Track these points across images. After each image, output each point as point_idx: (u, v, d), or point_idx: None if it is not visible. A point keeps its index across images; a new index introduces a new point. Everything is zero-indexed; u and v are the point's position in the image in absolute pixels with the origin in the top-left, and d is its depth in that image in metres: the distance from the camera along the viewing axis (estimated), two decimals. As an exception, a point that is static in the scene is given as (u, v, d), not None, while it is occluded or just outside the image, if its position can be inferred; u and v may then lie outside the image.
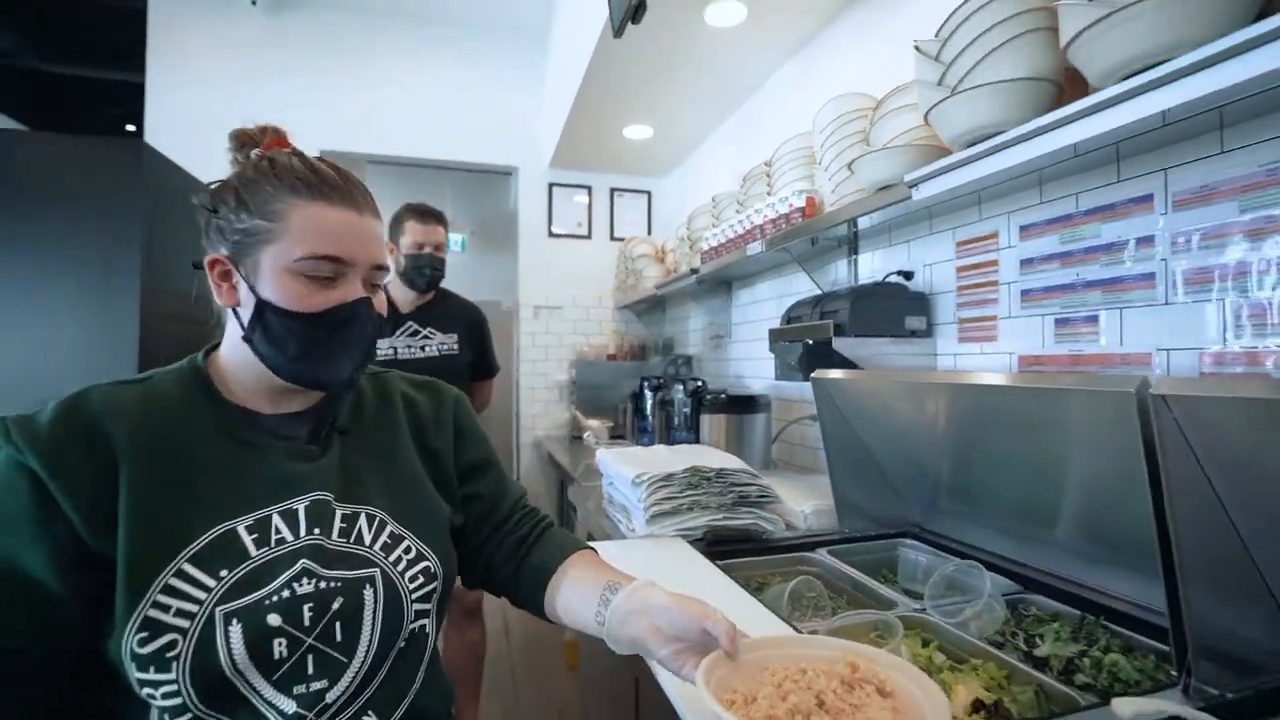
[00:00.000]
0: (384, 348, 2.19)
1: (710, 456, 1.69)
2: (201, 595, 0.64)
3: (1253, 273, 1.05)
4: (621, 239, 4.17)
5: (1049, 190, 1.41)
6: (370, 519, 0.77)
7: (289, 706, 0.67)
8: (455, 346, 2.27)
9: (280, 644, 0.67)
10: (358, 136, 3.87)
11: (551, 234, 4.20)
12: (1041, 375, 1.38)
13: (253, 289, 0.71)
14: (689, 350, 3.79)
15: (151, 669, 0.62)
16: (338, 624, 0.71)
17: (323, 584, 0.70)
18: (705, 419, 2.24)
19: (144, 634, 0.62)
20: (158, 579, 0.63)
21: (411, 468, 0.85)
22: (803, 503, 1.70)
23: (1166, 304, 1.18)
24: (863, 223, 1.84)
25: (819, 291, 2.04)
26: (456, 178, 5.63)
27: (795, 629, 1.08)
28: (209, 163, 0.93)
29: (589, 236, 4.25)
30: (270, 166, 0.73)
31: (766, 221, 2.04)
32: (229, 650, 0.64)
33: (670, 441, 2.46)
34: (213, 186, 0.76)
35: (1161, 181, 1.19)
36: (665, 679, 0.90)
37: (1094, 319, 1.32)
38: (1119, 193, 1.26)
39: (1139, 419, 0.88)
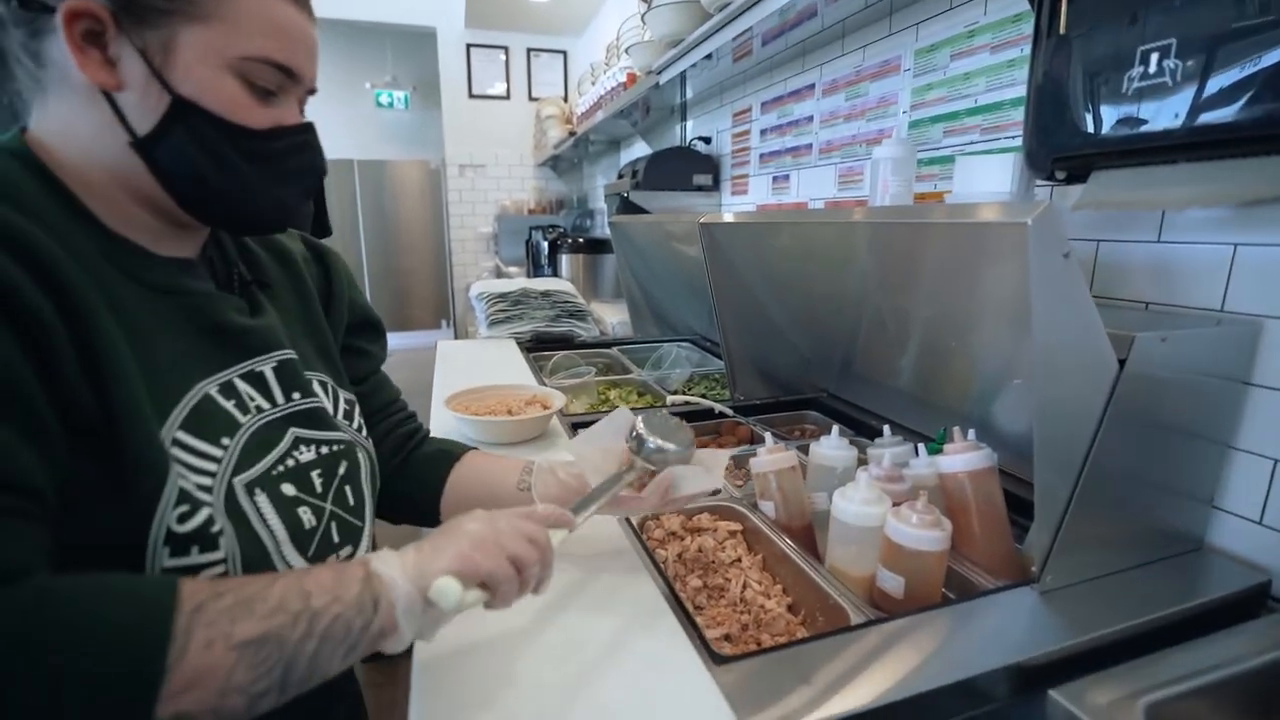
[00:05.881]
0: None
1: (549, 284, 2.24)
2: (213, 466, 0.54)
3: (852, 145, 1.56)
4: (539, 99, 4.47)
5: (775, 74, 1.86)
6: (324, 384, 0.69)
7: None
8: None
9: (305, 513, 0.61)
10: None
11: (472, 95, 4.48)
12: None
13: (162, 78, 0.52)
14: (600, 204, 4.24)
15: (195, 550, 0.51)
16: (347, 488, 0.66)
17: (322, 449, 0.65)
18: (564, 259, 2.79)
19: (184, 507, 0.50)
20: (167, 446, 0.51)
21: (328, 337, 0.75)
22: (612, 316, 2.28)
23: (814, 166, 1.69)
24: (689, 92, 2.28)
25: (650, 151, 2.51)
26: (397, 36, 5.63)
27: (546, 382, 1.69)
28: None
29: (508, 98, 4.53)
30: None
31: (607, 92, 2.46)
32: (265, 524, 0.56)
33: (536, 276, 3.02)
34: None
35: (819, 74, 1.65)
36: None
37: (787, 177, 1.83)
38: (801, 80, 1.73)
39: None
